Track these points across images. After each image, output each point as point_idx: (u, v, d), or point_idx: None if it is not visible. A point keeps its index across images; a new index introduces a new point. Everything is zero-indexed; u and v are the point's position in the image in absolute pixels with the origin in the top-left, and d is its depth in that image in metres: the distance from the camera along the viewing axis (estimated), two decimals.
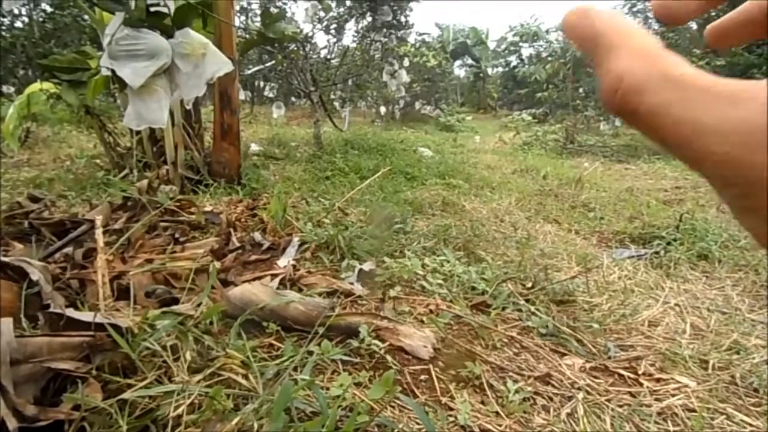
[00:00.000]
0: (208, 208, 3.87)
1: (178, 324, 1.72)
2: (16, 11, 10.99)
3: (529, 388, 1.85)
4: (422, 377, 1.84)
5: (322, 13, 10.59)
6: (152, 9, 2.74)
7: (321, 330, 1.86)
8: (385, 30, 11.98)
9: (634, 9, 19.70)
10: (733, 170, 0.21)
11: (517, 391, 1.80)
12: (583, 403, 1.81)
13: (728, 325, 2.81)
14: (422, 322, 2.25)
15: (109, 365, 1.51)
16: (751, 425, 1.88)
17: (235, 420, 1.33)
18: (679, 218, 4.53)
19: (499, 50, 31.13)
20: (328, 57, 12.69)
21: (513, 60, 30.80)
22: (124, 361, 1.54)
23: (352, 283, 2.59)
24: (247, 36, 7.44)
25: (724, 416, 1.90)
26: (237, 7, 9.09)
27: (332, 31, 11.93)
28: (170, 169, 5.14)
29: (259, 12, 10.46)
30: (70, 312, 1.68)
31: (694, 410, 1.90)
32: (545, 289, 2.93)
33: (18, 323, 1.71)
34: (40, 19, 10.72)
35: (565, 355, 2.23)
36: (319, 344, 1.82)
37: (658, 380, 2.11)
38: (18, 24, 11.19)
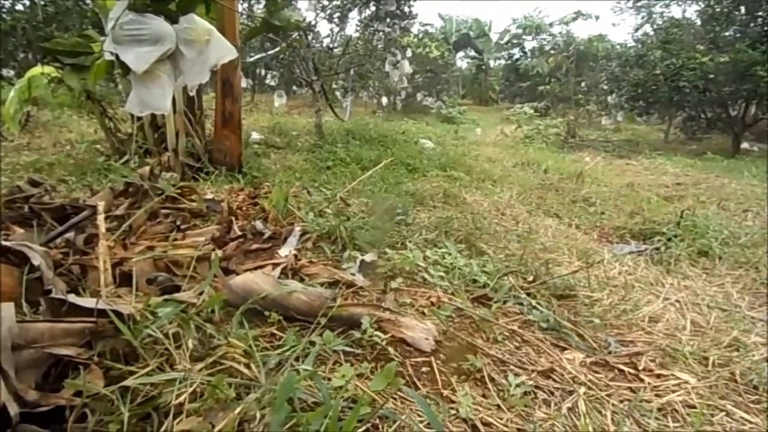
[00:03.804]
0: (210, 196, 3.86)
1: (180, 312, 1.71)
2: None
3: (530, 382, 1.85)
4: (424, 369, 1.84)
5: (325, 2, 10.52)
6: None
7: (323, 320, 1.86)
8: (388, 20, 11.91)
9: (638, 4, 19.52)
10: None
11: (518, 385, 1.80)
12: (583, 398, 1.81)
13: (728, 322, 2.81)
14: (424, 314, 2.25)
15: (110, 352, 1.51)
16: (750, 422, 1.88)
17: (238, 409, 1.33)
18: (680, 214, 4.53)
19: (502, 42, 30.98)
20: (331, 46, 12.61)
21: (515, 53, 30.69)
22: (126, 348, 1.54)
23: (353, 274, 2.58)
24: (250, 23, 7.39)
25: (723, 413, 1.91)
26: None
27: (335, 20, 11.84)
28: (171, 156, 5.12)
29: None
30: (72, 298, 1.67)
31: (694, 407, 1.90)
32: (546, 283, 2.93)
33: (19, 308, 1.70)
34: (42, 2, 10.63)
35: (566, 349, 2.23)
36: (321, 334, 1.81)
37: (658, 376, 2.11)
38: (19, 7, 11.09)
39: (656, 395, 1.95)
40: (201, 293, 1.96)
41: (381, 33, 12.27)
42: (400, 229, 3.64)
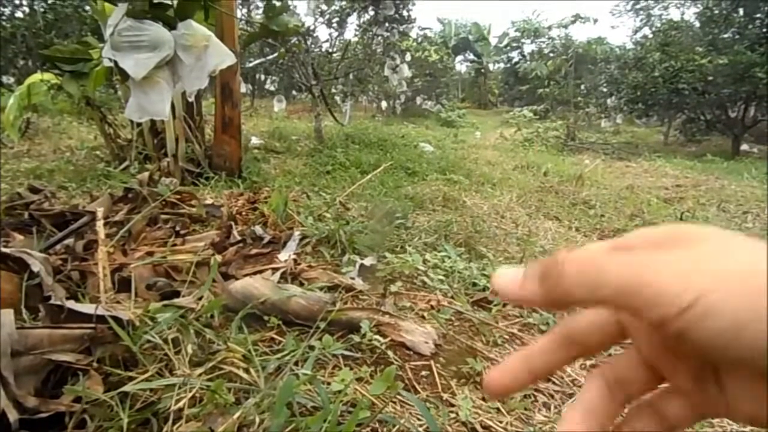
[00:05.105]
0: (209, 201, 3.86)
1: (179, 317, 1.71)
2: (17, 1, 10.95)
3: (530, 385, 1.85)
4: (423, 373, 1.84)
5: (324, 7, 10.54)
6: (155, 0, 2.73)
7: (322, 324, 1.86)
8: (387, 24, 11.93)
9: (637, 6, 19.58)
10: None
11: None
12: None
13: None
14: (423, 317, 2.25)
15: (110, 358, 1.51)
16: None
17: (237, 414, 1.33)
18: (680, 216, 4.54)
19: (501, 46, 31.09)
20: (330, 51, 12.65)
21: (515, 56, 30.83)
22: (125, 353, 1.54)
23: (353, 278, 2.58)
24: (249, 29, 7.41)
25: None
26: (238, 0, 9.06)
27: (334, 25, 11.89)
28: (171, 162, 5.13)
29: (260, 4, 10.43)
30: (71, 304, 1.67)
31: None
32: None
33: (19, 315, 1.70)
34: (41, 10, 10.67)
35: None
36: (320, 339, 1.81)
37: None
38: (19, 14, 11.14)
39: None
40: (200, 298, 1.96)
41: (380, 37, 12.29)
42: (400, 232, 3.64)
